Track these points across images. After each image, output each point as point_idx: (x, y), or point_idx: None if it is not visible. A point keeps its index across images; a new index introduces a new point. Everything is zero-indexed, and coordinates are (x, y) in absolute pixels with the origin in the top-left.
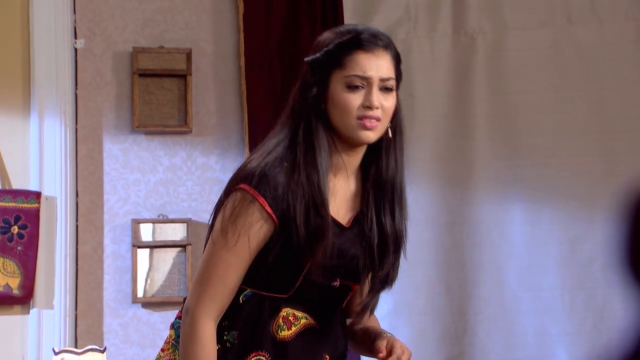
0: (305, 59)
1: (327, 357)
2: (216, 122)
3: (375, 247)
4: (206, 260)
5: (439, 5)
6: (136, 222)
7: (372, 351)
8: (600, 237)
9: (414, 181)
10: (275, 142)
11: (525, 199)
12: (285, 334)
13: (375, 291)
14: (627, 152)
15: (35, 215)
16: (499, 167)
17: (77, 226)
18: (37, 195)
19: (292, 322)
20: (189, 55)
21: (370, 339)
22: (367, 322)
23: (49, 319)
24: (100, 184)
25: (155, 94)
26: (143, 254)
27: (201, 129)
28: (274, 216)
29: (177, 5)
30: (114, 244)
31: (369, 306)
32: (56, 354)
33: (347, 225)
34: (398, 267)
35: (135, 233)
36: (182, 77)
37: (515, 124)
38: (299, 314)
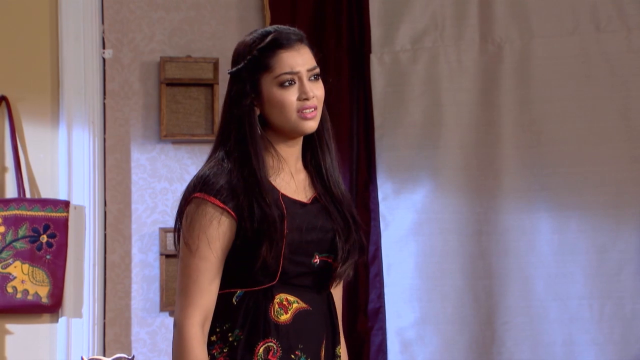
0: (229, 72)
1: (325, 339)
2: None
3: (338, 216)
4: (180, 273)
5: (465, 13)
6: (164, 231)
7: None
8: (628, 245)
9: (441, 190)
10: (212, 157)
11: (552, 207)
12: (284, 317)
13: (346, 259)
14: None
15: (63, 225)
16: (525, 176)
17: (105, 235)
18: (66, 204)
19: (286, 306)
20: (215, 65)
21: None
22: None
23: (77, 327)
24: (128, 193)
25: (182, 103)
26: (171, 263)
27: None
28: (228, 210)
29: (204, 15)
30: (141, 253)
31: (342, 275)
32: None
33: (308, 202)
34: (362, 236)
35: (163, 242)
36: (209, 86)
37: (542, 132)
38: (291, 298)
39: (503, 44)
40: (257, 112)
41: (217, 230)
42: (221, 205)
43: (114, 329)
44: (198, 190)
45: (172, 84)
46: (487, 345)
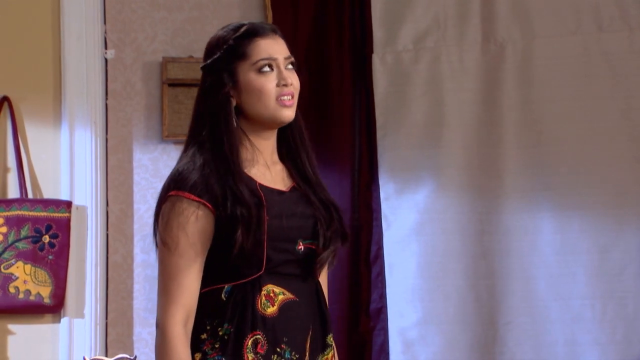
0: (202, 65)
1: (311, 330)
2: None
3: (318, 203)
4: (160, 272)
5: (468, 13)
6: None
7: None
8: (630, 245)
9: (443, 190)
10: (184, 154)
11: (554, 207)
12: (271, 310)
13: (328, 246)
14: None
15: (66, 225)
16: (527, 176)
17: (107, 235)
18: (68, 204)
19: (273, 298)
20: None
21: None
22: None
23: (79, 327)
24: (130, 194)
25: (184, 104)
26: None
27: None
28: (205, 202)
29: (206, 15)
30: (143, 253)
31: (324, 260)
32: None
33: (286, 190)
34: (344, 222)
35: None
36: None
37: (544, 132)
38: (277, 289)
39: (505, 43)
40: (234, 103)
41: (195, 226)
42: (197, 199)
43: (116, 329)
44: (172, 188)
45: (174, 84)
46: (489, 345)
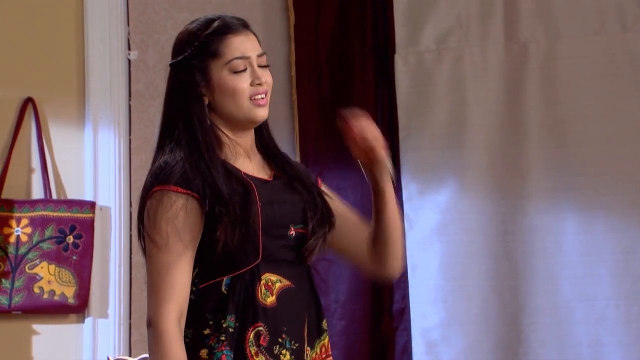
0: (172, 62)
1: (307, 316)
2: None
3: (302, 189)
4: (149, 270)
5: (490, 13)
6: None
7: (377, 211)
8: None
9: (466, 190)
10: (159, 152)
11: (578, 207)
12: (270, 299)
13: (316, 232)
14: None
15: (90, 225)
16: (551, 176)
17: (130, 236)
18: (92, 205)
19: (271, 287)
20: None
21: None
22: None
23: (103, 327)
24: None
25: None
26: None
27: None
28: (192, 194)
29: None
30: None
31: (314, 246)
32: None
33: (269, 179)
34: (329, 206)
35: None
36: None
37: (568, 133)
38: (273, 277)
39: (528, 43)
40: (206, 101)
41: (185, 220)
42: (184, 191)
43: (139, 330)
44: (156, 184)
45: None
46: (513, 347)
